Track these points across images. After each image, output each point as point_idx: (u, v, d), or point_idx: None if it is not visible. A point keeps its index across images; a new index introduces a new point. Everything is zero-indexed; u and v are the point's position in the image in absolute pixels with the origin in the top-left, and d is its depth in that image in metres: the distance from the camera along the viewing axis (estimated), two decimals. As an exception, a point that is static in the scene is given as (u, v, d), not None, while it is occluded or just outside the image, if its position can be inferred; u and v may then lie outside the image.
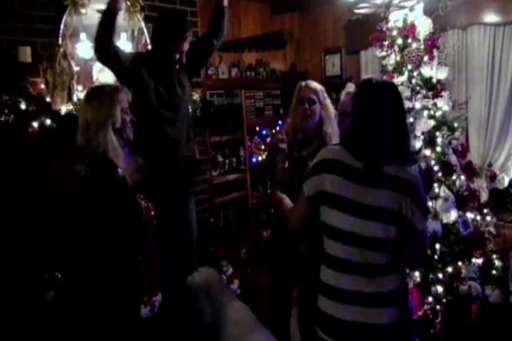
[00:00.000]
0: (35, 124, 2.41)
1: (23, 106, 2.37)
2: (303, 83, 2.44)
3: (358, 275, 1.52)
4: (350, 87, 4.12)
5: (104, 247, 1.74)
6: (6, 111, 2.32)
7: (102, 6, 2.92)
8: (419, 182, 1.55)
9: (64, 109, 2.56)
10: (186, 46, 2.36)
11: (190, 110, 3.24)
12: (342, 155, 1.54)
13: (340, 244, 1.55)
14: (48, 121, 2.45)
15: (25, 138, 2.42)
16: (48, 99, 2.52)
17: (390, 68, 3.06)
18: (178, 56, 2.35)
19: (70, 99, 2.64)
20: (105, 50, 2.23)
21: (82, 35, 2.80)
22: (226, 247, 3.62)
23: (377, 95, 1.54)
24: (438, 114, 2.98)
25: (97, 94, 1.87)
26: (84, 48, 2.80)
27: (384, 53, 3.09)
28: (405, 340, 1.59)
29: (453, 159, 2.99)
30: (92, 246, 1.79)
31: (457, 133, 3.09)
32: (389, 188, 1.49)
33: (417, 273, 2.81)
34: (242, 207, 4.13)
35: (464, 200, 3.00)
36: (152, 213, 1.85)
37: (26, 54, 2.45)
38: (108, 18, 2.21)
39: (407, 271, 2.41)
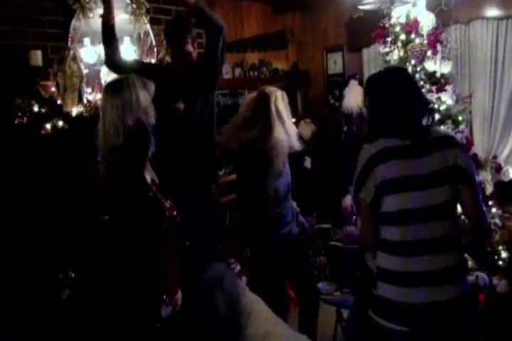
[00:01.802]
0: (47, 126, 2.46)
1: (35, 108, 2.42)
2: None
3: (427, 253, 1.56)
4: (354, 84, 4.18)
5: (127, 247, 1.68)
6: (20, 114, 2.37)
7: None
8: (453, 135, 1.71)
9: (75, 110, 2.61)
10: (188, 48, 2.41)
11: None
12: (383, 144, 1.61)
13: (407, 226, 1.57)
14: (60, 123, 2.50)
15: (39, 139, 2.46)
16: (59, 102, 2.57)
17: (393, 64, 3.10)
18: (181, 58, 2.41)
19: (80, 100, 2.69)
20: (113, 64, 2.47)
21: (86, 40, 2.84)
22: (233, 245, 3.65)
23: (387, 80, 1.67)
24: (442, 107, 3.02)
25: (129, 86, 1.67)
26: (87, 53, 2.84)
27: (387, 49, 3.12)
28: (468, 317, 1.61)
29: (458, 152, 3.02)
30: (114, 246, 1.75)
31: (462, 127, 3.12)
32: (440, 149, 1.58)
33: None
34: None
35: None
36: (175, 213, 1.80)
37: (37, 58, 2.49)
38: (104, 32, 2.44)
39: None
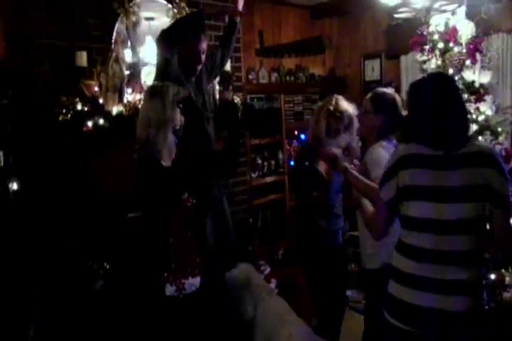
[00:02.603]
0: (89, 123, 2.57)
1: (79, 106, 2.55)
2: None
3: (439, 263, 1.55)
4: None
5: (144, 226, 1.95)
6: (64, 111, 2.49)
7: (150, 14, 3.13)
8: (497, 153, 1.63)
9: (115, 109, 2.71)
10: (204, 45, 2.45)
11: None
12: (416, 149, 1.60)
13: (425, 234, 1.56)
14: (101, 121, 2.61)
15: (81, 136, 2.58)
16: (100, 101, 2.68)
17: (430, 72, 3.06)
18: (199, 55, 2.43)
19: (120, 100, 2.79)
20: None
21: (130, 42, 2.94)
22: (264, 247, 3.68)
23: (426, 84, 1.66)
24: (480, 118, 2.95)
25: (160, 95, 1.97)
26: (130, 54, 2.93)
27: (425, 57, 3.09)
28: (478, 329, 1.59)
29: (496, 164, 2.94)
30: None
31: (501, 138, 3.03)
32: (471, 165, 1.53)
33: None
34: (280, 209, 4.18)
35: (507, 208, 2.94)
36: (189, 204, 2.04)
37: (82, 59, 2.62)
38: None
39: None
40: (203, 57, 2.47)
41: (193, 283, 1.98)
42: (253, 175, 3.94)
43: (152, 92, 2.01)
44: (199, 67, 2.49)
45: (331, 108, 2.39)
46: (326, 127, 2.37)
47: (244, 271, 2.40)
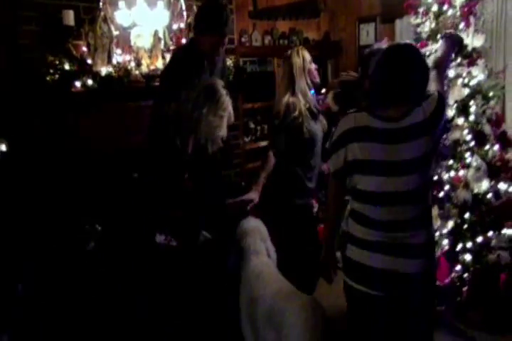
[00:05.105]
0: (77, 84, 2.54)
1: (66, 66, 2.52)
2: None
3: (391, 231, 1.61)
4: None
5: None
6: (51, 71, 2.46)
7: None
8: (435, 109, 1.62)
9: (104, 70, 2.68)
10: (224, 41, 2.32)
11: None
12: (367, 120, 1.58)
13: (376, 206, 1.61)
14: (90, 82, 2.58)
15: (69, 96, 2.56)
16: (89, 61, 2.64)
17: (424, 36, 3.02)
18: (217, 47, 2.32)
19: (109, 61, 2.76)
20: None
21: (121, 3, 2.87)
22: (256, 211, 3.72)
23: (400, 58, 1.62)
24: (472, 82, 2.93)
25: (218, 103, 2.02)
26: (122, 16, 2.87)
27: (419, 20, 3.04)
28: (429, 291, 1.70)
29: (487, 128, 2.93)
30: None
31: (492, 103, 3.01)
32: (418, 136, 1.57)
33: (445, 242, 2.83)
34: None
35: (497, 170, 2.97)
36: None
37: (69, 18, 2.57)
38: None
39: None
40: (219, 50, 2.36)
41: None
42: (246, 140, 3.94)
43: (212, 97, 2.05)
44: (217, 58, 2.41)
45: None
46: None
47: (254, 222, 2.40)
